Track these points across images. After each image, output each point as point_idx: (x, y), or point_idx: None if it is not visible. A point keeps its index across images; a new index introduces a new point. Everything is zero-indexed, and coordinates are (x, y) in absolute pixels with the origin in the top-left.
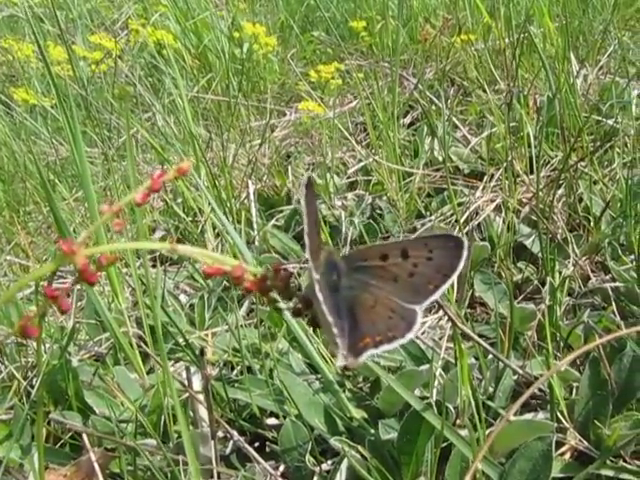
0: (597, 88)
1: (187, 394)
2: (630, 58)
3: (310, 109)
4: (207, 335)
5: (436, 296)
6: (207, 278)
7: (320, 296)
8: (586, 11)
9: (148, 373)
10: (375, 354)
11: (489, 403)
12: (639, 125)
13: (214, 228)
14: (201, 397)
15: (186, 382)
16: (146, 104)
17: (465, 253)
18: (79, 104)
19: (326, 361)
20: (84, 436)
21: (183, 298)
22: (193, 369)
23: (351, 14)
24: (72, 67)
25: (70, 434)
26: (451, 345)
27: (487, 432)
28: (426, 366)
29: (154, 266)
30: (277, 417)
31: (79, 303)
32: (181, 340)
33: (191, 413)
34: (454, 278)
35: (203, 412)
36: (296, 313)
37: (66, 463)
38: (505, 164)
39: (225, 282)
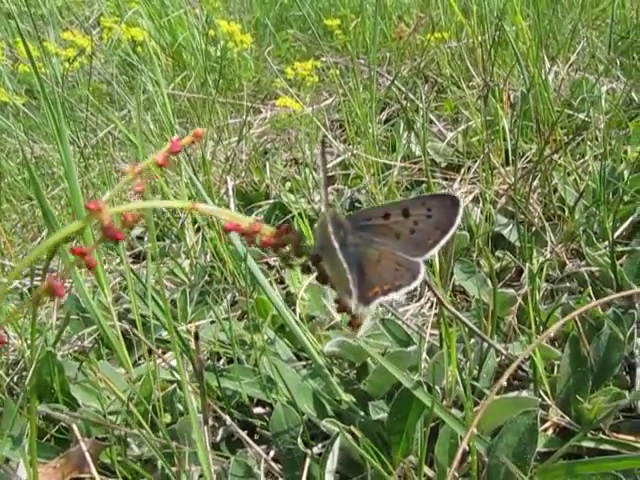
0: (568, 84)
1: (174, 385)
2: (598, 56)
3: (287, 105)
4: (191, 328)
5: (435, 250)
6: (226, 233)
7: (336, 244)
8: (555, 11)
9: (134, 366)
10: (384, 301)
11: (474, 383)
12: (609, 119)
13: (194, 223)
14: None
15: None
16: (121, 101)
17: (461, 210)
18: (53, 102)
19: (313, 346)
20: (74, 427)
21: (165, 293)
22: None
23: (325, 12)
24: (46, 64)
25: (56, 428)
26: (434, 332)
27: (474, 410)
28: (413, 347)
29: (135, 262)
30: (264, 406)
31: (60, 300)
32: (166, 333)
33: (179, 405)
34: (452, 233)
35: (193, 402)
36: (306, 269)
37: (53, 457)
38: (482, 157)
39: (207, 276)
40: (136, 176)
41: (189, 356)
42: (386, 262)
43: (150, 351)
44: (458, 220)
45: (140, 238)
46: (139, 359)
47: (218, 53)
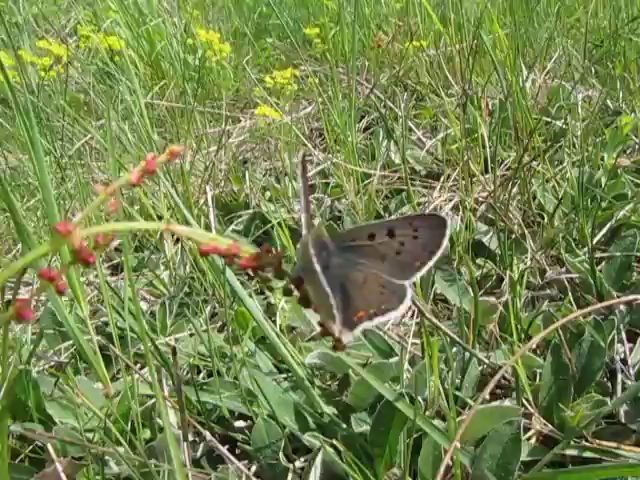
0: (545, 91)
1: (153, 400)
2: (574, 64)
3: (266, 114)
4: (170, 341)
5: (423, 272)
6: (203, 256)
7: (318, 267)
8: (532, 20)
9: (112, 380)
10: (370, 326)
11: (457, 393)
12: (585, 126)
13: (173, 234)
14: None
15: (157, 385)
16: (99, 111)
17: (448, 231)
18: (25, 110)
19: (294, 358)
20: (49, 446)
21: (143, 305)
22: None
23: (304, 21)
24: (20, 73)
25: (30, 448)
26: (416, 341)
27: (457, 420)
28: (395, 359)
29: (113, 274)
30: (245, 419)
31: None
32: (145, 345)
33: (158, 419)
34: (439, 255)
35: (172, 417)
36: (287, 292)
37: (27, 479)
38: (461, 164)
39: (187, 288)
40: (109, 196)
41: (168, 370)
42: (371, 285)
43: (128, 366)
44: (445, 241)
45: (118, 250)
46: (117, 373)
47: (197, 62)
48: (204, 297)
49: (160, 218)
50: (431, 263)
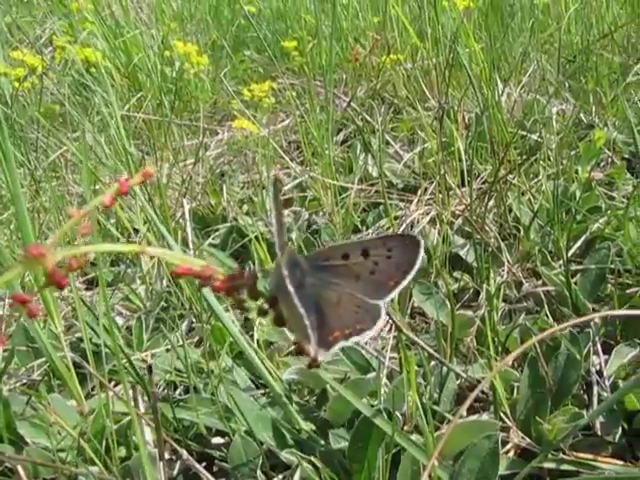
0: (520, 105)
1: (129, 417)
2: (548, 78)
3: (244, 127)
4: (147, 356)
5: (397, 292)
6: (177, 278)
7: (291, 288)
8: (507, 34)
9: (87, 398)
10: (345, 345)
11: (435, 408)
12: (560, 139)
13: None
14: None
15: (131, 403)
16: (75, 123)
17: (422, 251)
18: (0, 121)
19: (271, 374)
20: (19, 468)
21: (119, 320)
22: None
23: (282, 34)
24: None
25: (0, 470)
26: (394, 355)
27: (436, 435)
28: (373, 374)
29: (88, 289)
30: (223, 436)
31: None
32: (122, 361)
33: (134, 438)
34: (413, 274)
35: (148, 434)
36: (262, 312)
37: None
38: (438, 178)
39: (163, 302)
40: (82, 218)
41: (144, 387)
42: (346, 304)
43: (102, 383)
44: (419, 261)
45: (93, 264)
46: (92, 390)
47: (174, 74)
48: (181, 312)
49: (137, 231)
50: (405, 283)
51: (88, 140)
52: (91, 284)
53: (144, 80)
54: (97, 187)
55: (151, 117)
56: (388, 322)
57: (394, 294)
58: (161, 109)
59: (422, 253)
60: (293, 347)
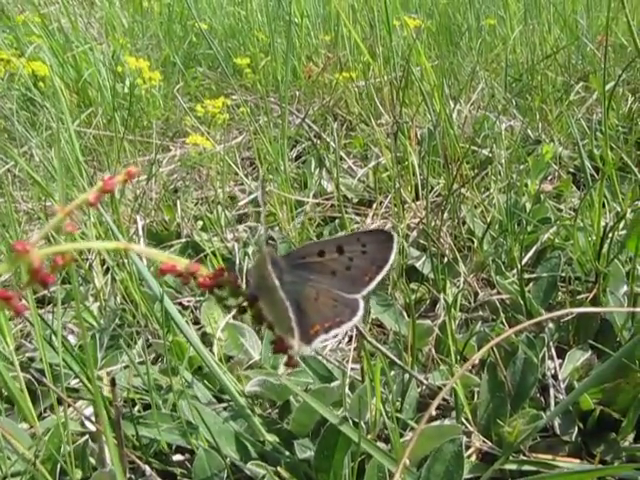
0: (470, 122)
1: (85, 437)
2: (497, 96)
3: (198, 143)
4: (102, 374)
5: (372, 286)
6: (162, 275)
7: (277, 282)
8: (455, 54)
9: (38, 419)
10: (326, 339)
11: (398, 415)
12: (509, 154)
13: (103, 264)
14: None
15: (86, 421)
16: (22, 138)
17: (395, 245)
18: None
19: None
20: None
21: (72, 339)
22: (91, 411)
23: (235, 51)
24: None
25: None
26: (355, 366)
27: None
28: (337, 382)
29: (39, 307)
30: (183, 453)
31: None
32: (75, 382)
33: (90, 460)
34: (387, 268)
35: (106, 453)
36: (242, 310)
37: None
38: (393, 192)
39: (118, 320)
40: (66, 216)
41: (104, 404)
42: (324, 299)
43: (59, 401)
44: (393, 255)
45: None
46: (44, 411)
47: (126, 90)
48: (136, 329)
49: (89, 249)
50: (380, 277)
51: (36, 155)
52: (42, 302)
53: (94, 96)
54: (48, 203)
55: (102, 133)
56: (347, 333)
57: (370, 288)
58: (113, 125)
59: (395, 248)
60: (271, 346)
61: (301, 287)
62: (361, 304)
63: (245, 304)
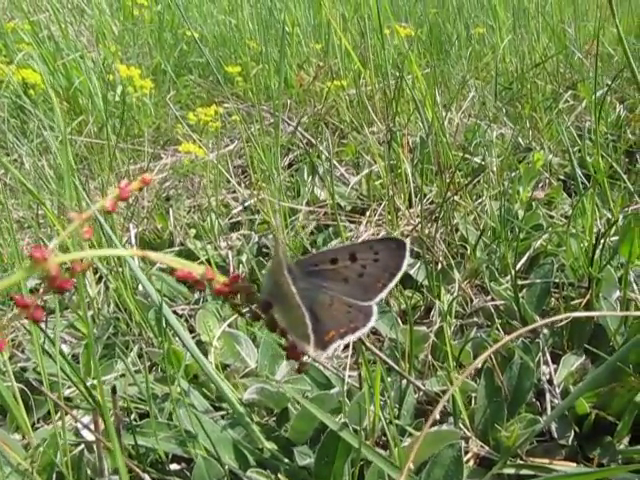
0: (462, 130)
1: (81, 447)
2: (487, 104)
3: (190, 151)
4: (96, 384)
5: (385, 292)
6: (179, 281)
7: (294, 289)
8: (446, 62)
9: (32, 430)
10: (341, 345)
11: (396, 422)
12: (501, 162)
13: (95, 272)
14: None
15: (83, 431)
16: (11, 146)
17: (407, 253)
18: None
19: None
20: None
21: (65, 348)
22: (87, 419)
23: (226, 59)
24: None
25: None
26: (352, 373)
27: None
28: (336, 389)
29: (42, 314)
30: (180, 462)
31: None
32: (69, 392)
33: (87, 470)
34: (400, 275)
35: (104, 462)
36: (256, 316)
37: None
38: (387, 199)
39: (112, 328)
40: (83, 223)
41: (100, 413)
42: (338, 305)
43: (56, 410)
44: (405, 262)
45: (35, 290)
46: (38, 422)
47: (117, 98)
48: (130, 337)
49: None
50: (392, 284)
51: (26, 163)
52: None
53: (85, 104)
54: (40, 212)
55: (93, 141)
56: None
57: (383, 295)
58: (104, 133)
59: (408, 255)
60: (285, 352)
61: (315, 294)
62: (375, 310)
63: (259, 311)
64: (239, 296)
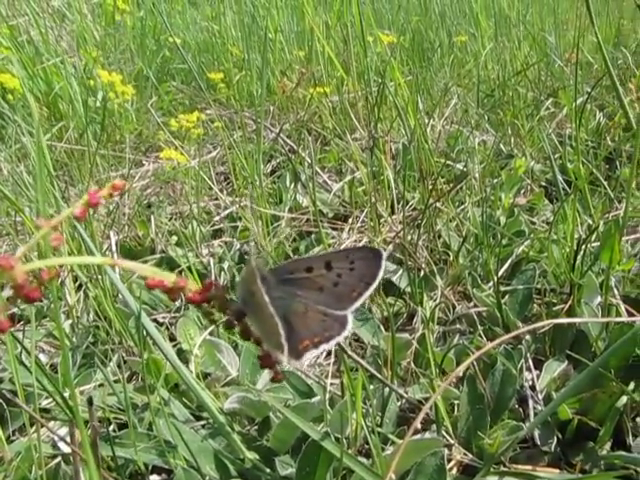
0: (444, 136)
1: (57, 460)
2: (469, 111)
3: (172, 158)
4: (75, 394)
5: (360, 302)
6: (150, 290)
7: (267, 298)
8: (428, 69)
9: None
10: (316, 354)
11: (379, 429)
12: (483, 168)
13: (75, 280)
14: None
15: (59, 443)
16: None
17: (383, 263)
18: None
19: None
20: None
21: (43, 358)
22: (63, 432)
23: (208, 66)
24: None
25: None
26: (334, 381)
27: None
28: (318, 397)
29: (10, 325)
30: (160, 473)
31: None
32: (46, 402)
33: None
34: (375, 285)
35: (81, 475)
36: (230, 325)
37: None
38: (369, 206)
39: (91, 337)
40: (52, 230)
41: (77, 424)
42: (313, 314)
43: (31, 423)
44: (381, 272)
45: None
46: (13, 434)
47: (98, 104)
48: (110, 346)
49: (60, 266)
50: (368, 293)
51: (4, 169)
52: (11, 320)
53: (66, 109)
54: (18, 219)
55: (74, 147)
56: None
57: (357, 304)
58: (85, 139)
59: (384, 264)
60: (258, 361)
61: (289, 302)
62: (350, 318)
63: (233, 319)
64: (213, 304)
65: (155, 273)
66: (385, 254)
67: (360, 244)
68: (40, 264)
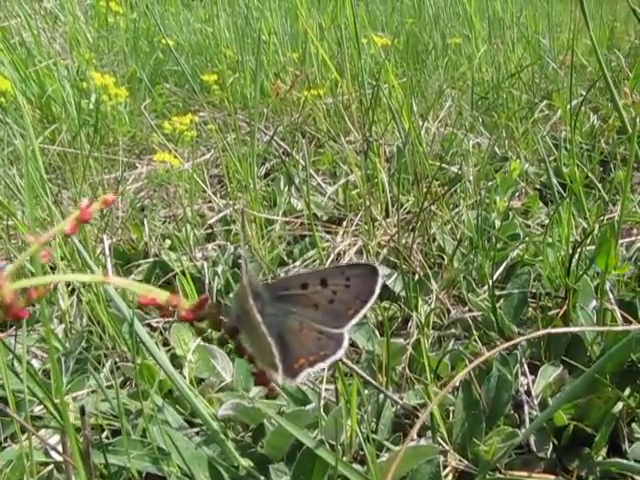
0: (438, 139)
1: (50, 467)
2: (464, 114)
3: (165, 160)
4: (69, 400)
5: (356, 320)
6: (143, 307)
7: (259, 318)
8: (422, 72)
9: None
10: (311, 373)
11: (374, 436)
12: (477, 171)
13: (68, 285)
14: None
15: (51, 451)
16: None
17: (380, 280)
18: None
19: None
20: None
21: (35, 363)
22: (55, 440)
23: (202, 68)
24: None
25: None
26: (329, 387)
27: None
28: (312, 405)
29: (1, 330)
30: None
31: None
32: (38, 409)
33: None
34: (372, 302)
35: None
36: (224, 341)
37: None
38: (363, 209)
39: (84, 342)
40: (41, 246)
41: (70, 432)
42: (308, 332)
43: (23, 430)
44: (378, 289)
45: None
46: (5, 441)
47: (91, 106)
48: (104, 352)
49: (53, 269)
50: (364, 311)
51: None
52: (2, 326)
53: (58, 112)
54: (10, 223)
55: (67, 150)
56: None
57: (354, 322)
58: (77, 142)
59: (380, 282)
60: (253, 377)
61: (284, 319)
62: (346, 337)
63: (226, 336)
64: (206, 322)
65: (148, 291)
66: (381, 271)
67: (354, 247)
68: (30, 282)
